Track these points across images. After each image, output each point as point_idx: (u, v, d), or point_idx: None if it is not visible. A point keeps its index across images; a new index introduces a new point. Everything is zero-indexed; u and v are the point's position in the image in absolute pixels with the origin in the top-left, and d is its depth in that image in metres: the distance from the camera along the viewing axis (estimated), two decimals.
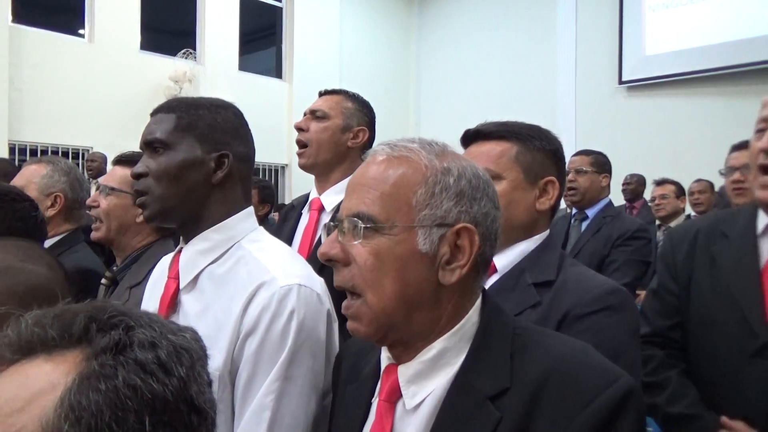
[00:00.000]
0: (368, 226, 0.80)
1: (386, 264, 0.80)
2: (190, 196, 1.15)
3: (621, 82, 7.98)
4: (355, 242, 0.81)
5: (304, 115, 1.96)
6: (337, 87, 2.09)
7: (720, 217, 1.50)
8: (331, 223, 0.86)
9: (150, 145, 1.16)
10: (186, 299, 1.16)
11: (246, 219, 1.20)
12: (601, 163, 3.17)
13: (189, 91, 7.55)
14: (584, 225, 3.12)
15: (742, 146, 2.43)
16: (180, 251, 1.20)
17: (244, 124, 1.23)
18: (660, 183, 4.80)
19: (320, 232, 1.81)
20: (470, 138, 1.31)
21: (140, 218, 1.71)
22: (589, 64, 8.25)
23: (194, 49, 8.21)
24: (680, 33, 7.39)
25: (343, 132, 1.91)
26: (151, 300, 1.25)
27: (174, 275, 1.18)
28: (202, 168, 1.15)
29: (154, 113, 1.21)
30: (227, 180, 1.17)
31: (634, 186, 5.60)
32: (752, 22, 6.76)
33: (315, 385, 1.09)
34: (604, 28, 8.10)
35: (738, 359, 1.30)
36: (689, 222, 1.63)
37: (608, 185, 3.19)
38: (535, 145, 1.26)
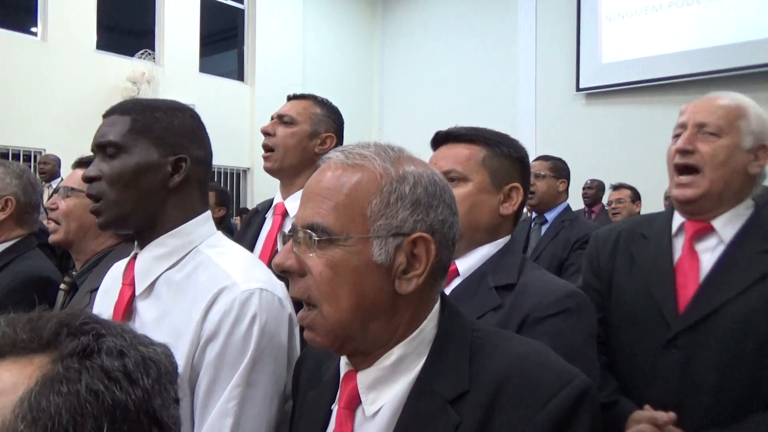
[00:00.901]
0: (323, 238, 0.79)
1: (342, 276, 0.79)
2: (146, 200, 1.12)
3: (579, 89, 8.17)
4: (311, 254, 0.80)
5: (272, 119, 1.92)
6: (299, 91, 2.05)
7: (640, 220, 1.67)
8: (286, 233, 0.85)
9: (102, 148, 1.12)
10: (142, 306, 1.13)
11: (204, 223, 1.18)
12: (559, 169, 3.25)
13: (147, 93, 7.39)
14: (544, 229, 3.19)
15: None
16: (134, 257, 1.17)
17: (201, 128, 1.21)
18: (616, 188, 4.93)
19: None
20: (440, 140, 1.34)
21: None
22: (548, 71, 8.41)
23: (153, 50, 8.03)
24: (635, 42, 7.61)
25: (311, 138, 1.88)
26: (102, 308, 1.20)
27: (129, 282, 1.15)
28: (158, 172, 1.12)
29: (107, 115, 1.17)
30: (184, 184, 1.15)
31: (594, 191, 5.72)
32: (704, 33, 7.02)
33: (277, 390, 1.07)
34: (562, 37, 8.28)
35: (654, 350, 1.40)
36: (613, 225, 1.81)
37: (566, 190, 3.28)
38: (503, 151, 1.29)
